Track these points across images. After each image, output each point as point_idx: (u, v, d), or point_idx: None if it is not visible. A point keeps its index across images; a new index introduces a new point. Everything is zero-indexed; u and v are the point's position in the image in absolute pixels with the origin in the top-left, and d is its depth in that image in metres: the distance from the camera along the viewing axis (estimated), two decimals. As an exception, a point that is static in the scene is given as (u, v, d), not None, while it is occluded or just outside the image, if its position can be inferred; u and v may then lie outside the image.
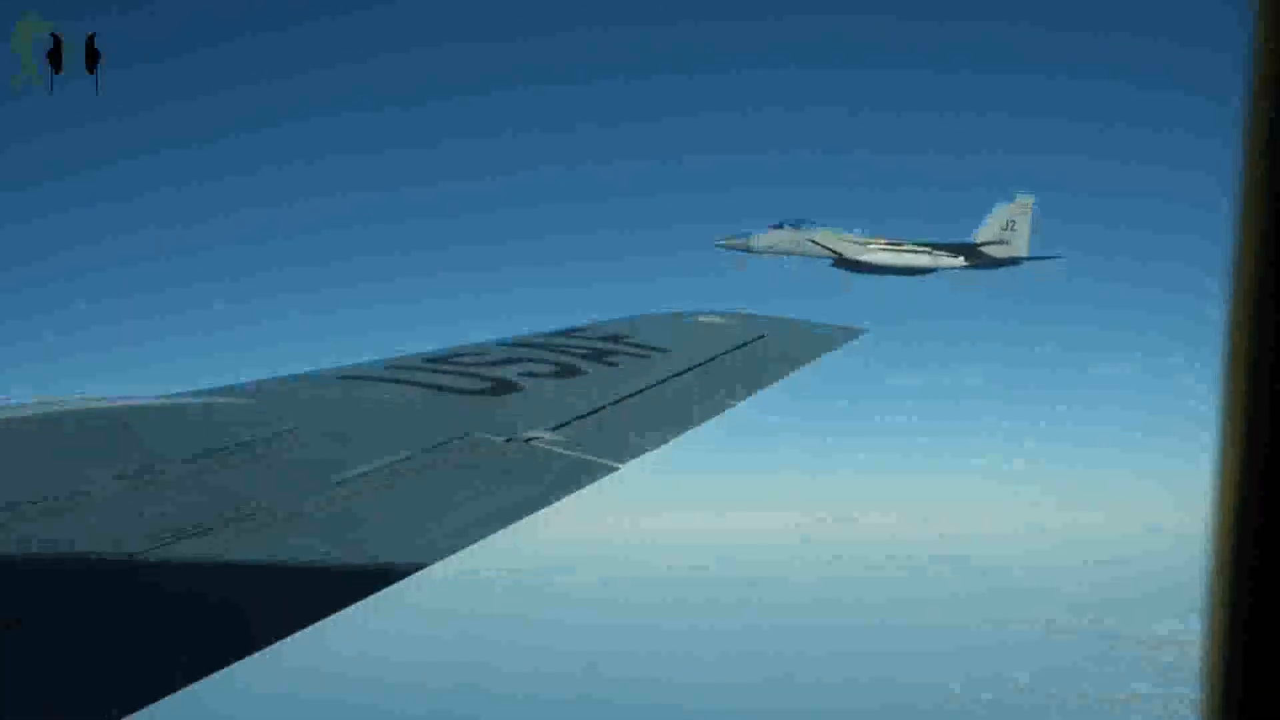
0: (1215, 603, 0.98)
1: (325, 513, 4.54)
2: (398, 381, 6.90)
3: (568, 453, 5.77)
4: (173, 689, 3.18)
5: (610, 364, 7.81)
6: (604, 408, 6.63)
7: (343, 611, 3.88)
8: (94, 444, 5.17)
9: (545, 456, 5.70)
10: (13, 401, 5.85)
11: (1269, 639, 0.95)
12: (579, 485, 5.42)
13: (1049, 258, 49.01)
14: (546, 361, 7.62)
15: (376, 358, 7.77)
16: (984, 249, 47.25)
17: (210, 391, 6.53)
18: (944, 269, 47.47)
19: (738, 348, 8.64)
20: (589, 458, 5.74)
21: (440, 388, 6.74)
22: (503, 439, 5.79)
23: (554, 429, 6.06)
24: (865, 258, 46.04)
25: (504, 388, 6.86)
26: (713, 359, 8.22)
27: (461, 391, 6.70)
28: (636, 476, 5.92)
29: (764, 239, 44.53)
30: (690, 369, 7.86)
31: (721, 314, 10.02)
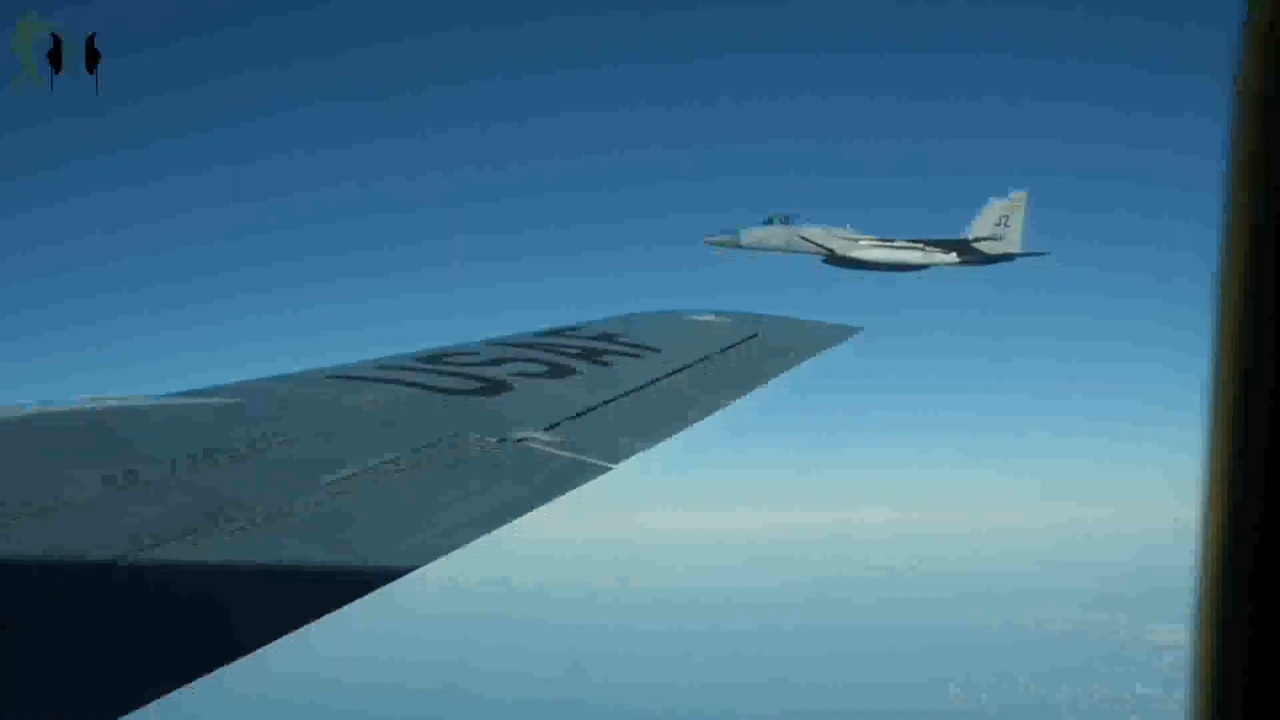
0: (1205, 606, 0.99)
1: (313, 515, 4.54)
2: (387, 381, 6.89)
3: (560, 453, 5.78)
4: (158, 694, 3.18)
5: (602, 364, 7.81)
6: (596, 408, 6.64)
7: (329, 615, 3.88)
8: (78, 446, 5.15)
9: (537, 457, 5.71)
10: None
11: (1260, 642, 0.96)
12: (572, 486, 5.43)
13: (1040, 254, 49.12)
14: (538, 361, 7.62)
15: (364, 357, 7.76)
16: (977, 245, 47.27)
17: (196, 392, 6.51)
18: (936, 265, 47.52)
19: (731, 347, 8.66)
20: (582, 458, 5.75)
21: (431, 388, 6.74)
22: (494, 439, 5.79)
23: (546, 429, 6.06)
24: (856, 254, 45.97)
25: (495, 388, 6.86)
26: (706, 358, 8.23)
27: (452, 391, 6.70)
28: (627, 476, 5.95)
29: (753, 235, 44.37)
30: (683, 369, 7.87)
31: (715, 313, 10.03)
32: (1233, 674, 0.97)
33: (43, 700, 3.18)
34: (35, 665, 3.25)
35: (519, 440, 5.84)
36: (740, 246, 44.09)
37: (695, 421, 6.90)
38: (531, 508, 5.07)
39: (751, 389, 7.71)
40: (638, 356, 8.09)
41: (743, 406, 7.52)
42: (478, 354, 7.83)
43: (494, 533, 4.80)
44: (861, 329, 9.66)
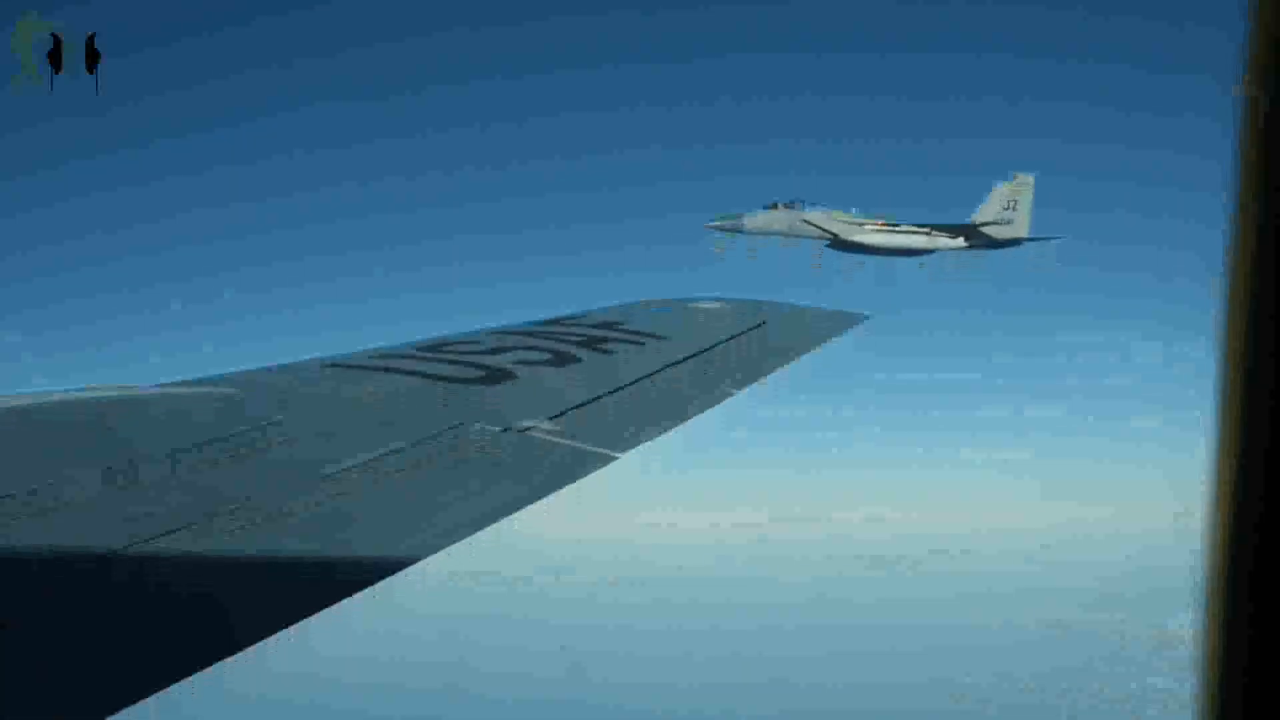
0: (1211, 604, 1.01)
1: (313, 507, 4.54)
2: (388, 371, 6.88)
3: (565, 442, 5.77)
4: (154, 689, 3.18)
5: (606, 352, 7.80)
6: (600, 397, 6.63)
7: (329, 613, 3.87)
8: (75, 436, 5.15)
9: (542, 446, 5.70)
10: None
11: (1262, 642, 0.99)
12: (577, 476, 5.43)
13: (1049, 239, 48.96)
14: (541, 350, 7.60)
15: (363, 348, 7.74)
16: (984, 229, 47.14)
17: (194, 382, 6.50)
18: (943, 250, 47.37)
19: (737, 335, 8.64)
20: (587, 448, 5.74)
21: (432, 377, 6.73)
22: (498, 429, 5.78)
23: (550, 418, 6.06)
24: (861, 239, 45.77)
25: (498, 376, 6.85)
26: (710, 347, 8.21)
27: (454, 380, 6.69)
28: (627, 474, 5.93)
29: (757, 219, 44.06)
30: (689, 357, 7.86)
31: (720, 300, 10.00)
32: (1235, 674, 0.99)
33: (42, 697, 3.18)
34: (34, 662, 3.25)
35: (523, 429, 5.83)
36: (742, 232, 43.82)
37: (701, 411, 6.89)
38: (538, 498, 5.07)
39: (758, 378, 7.70)
40: (641, 345, 8.08)
41: (746, 398, 7.51)
42: (479, 343, 7.82)
43: (496, 527, 4.80)
44: (868, 316, 9.63)
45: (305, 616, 3.75)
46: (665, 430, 6.40)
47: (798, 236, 44.85)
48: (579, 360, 7.47)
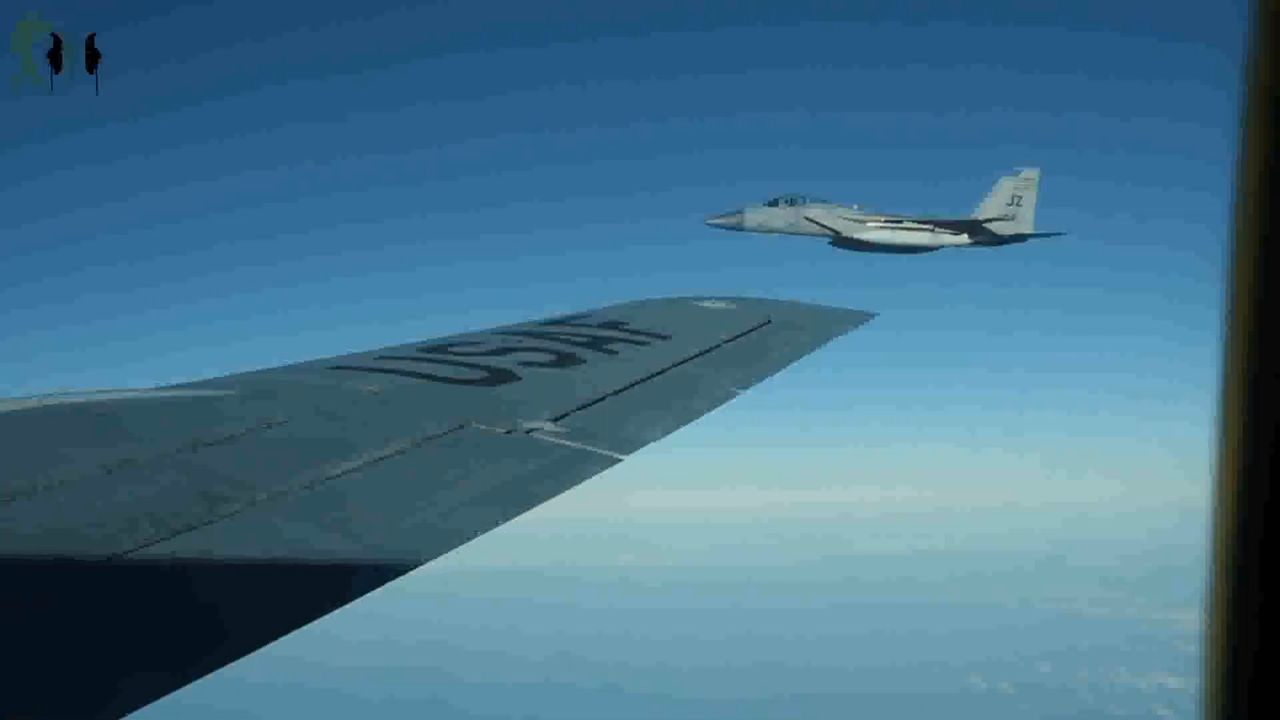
0: (1216, 595, 1.01)
1: (316, 510, 4.53)
2: (390, 372, 6.88)
3: (569, 444, 5.77)
4: (152, 697, 3.18)
5: (610, 352, 7.81)
6: (605, 398, 6.63)
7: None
8: (73, 439, 5.14)
9: (546, 448, 5.70)
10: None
11: (1270, 632, 0.98)
12: (582, 477, 5.43)
13: (1054, 234, 48.88)
14: (544, 350, 7.61)
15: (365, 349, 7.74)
16: (988, 225, 47.05)
17: (194, 384, 6.50)
18: (947, 247, 47.32)
19: (742, 334, 8.64)
20: (592, 449, 5.74)
21: (435, 378, 6.72)
22: (502, 430, 5.78)
23: (554, 420, 6.06)
24: (864, 235, 45.69)
25: (501, 377, 6.85)
26: (717, 346, 8.21)
27: (457, 381, 6.69)
28: (633, 461, 5.92)
29: (757, 215, 43.97)
30: (694, 357, 7.85)
31: (724, 299, 10.00)
32: (1243, 663, 0.99)
33: (34, 698, 3.18)
34: (23, 660, 3.25)
35: (528, 431, 5.83)
36: (743, 228, 43.75)
37: (706, 411, 6.90)
38: (542, 499, 5.08)
39: (763, 378, 7.70)
40: (646, 345, 8.08)
41: (752, 393, 7.52)
42: (481, 343, 7.83)
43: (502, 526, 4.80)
44: (876, 314, 9.62)
45: (306, 622, 3.75)
46: (670, 431, 6.40)
47: (799, 233, 44.75)
48: (583, 361, 7.47)
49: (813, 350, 8.48)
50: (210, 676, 3.35)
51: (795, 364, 8.14)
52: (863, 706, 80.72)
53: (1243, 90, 0.97)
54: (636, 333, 8.40)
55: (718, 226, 43.63)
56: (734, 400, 7.24)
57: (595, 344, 7.95)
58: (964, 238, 47.24)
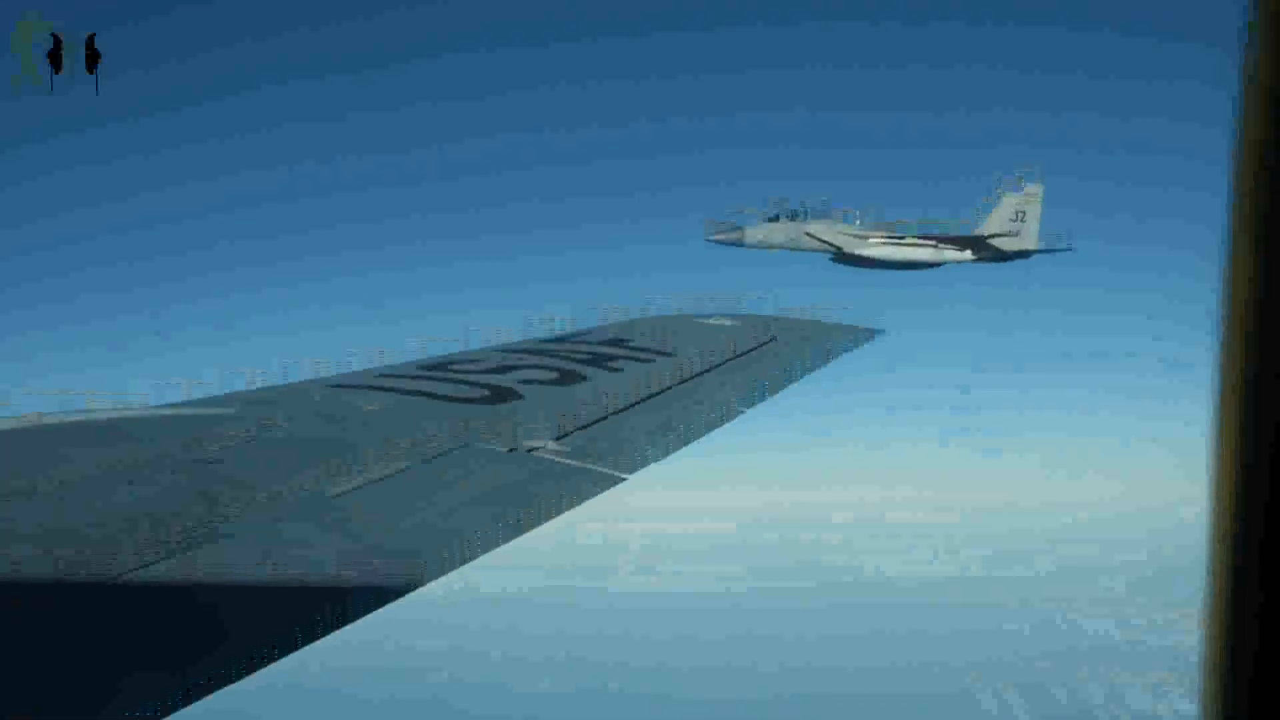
0: (1215, 595, 1.01)
1: (317, 530, 4.51)
2: (391, 390, 6.86)
3: (572, 463, 5.75)
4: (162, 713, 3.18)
5: (613, 369, 7.80)
6: (608, 416, 6.62)
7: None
8: (75, 455, 5.12)
9: (549, 467, 5.69)
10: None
11: (1269, 632, 0.98)
12: (585, 497, 5.42)
13: (1060, 250, 48.79)
14: (546, 368, 7.60)
15: (369, 361, 7.74)
16: (992, 241, 46.99)
17: (195, 402, 6.49)
18: (950, 263, 47.24)
19: (748, 351, 8.63)
20: (594, 468, 5.73)
21: (435, 396, 6.71)
22: (504, 449, 5.77)
23: (557, 439, 6.04)
24: (866, 252, 45.59)
25: (503, 395, 6.84)
26: (721, 363, 8.20)
27: (458, 400, 6.68)
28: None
29: (757, 231, 43.90)
30: (698, 374, 7.85)
31: (728, 315, 9.99)
32: (1242, 664, 0.99)
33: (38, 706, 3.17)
34: (24, 670, 3.25)
35: (530, 450, 5.82)
36: (743, 244, 43.75)
37: (710, 430, 6.89)
38: (545, 519, 5.07)
39: (768, 396, 7.69)
40: (650, 362, 8.06)
41: (758, 409, 7.52)
42: (482, 361, 7.81)
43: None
44: (882, 331, 9.61)
45: (308, 642, 3.74)
46: (674, 450, 6.39)
47: (800, 249, 44.71)
48: (586, 379, 7.46)
49: (818, 368, 8.48)
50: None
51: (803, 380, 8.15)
52: (863, 707, 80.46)
53: (1241, 90, 0.97)
54: (640, 350, 8.39)
55: (719, 244, 43.68)
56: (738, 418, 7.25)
57: (598, 361, 7.94)
58: (967, 254, 47.14)
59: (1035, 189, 48.69)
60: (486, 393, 6.87)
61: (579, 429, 6.30)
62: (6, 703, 3.10)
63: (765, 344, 8.90)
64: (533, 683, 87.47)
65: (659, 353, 8.34)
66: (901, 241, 46.61)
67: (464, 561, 4.54)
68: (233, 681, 3.43)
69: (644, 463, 6.02)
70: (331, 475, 5.08)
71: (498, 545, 4.74)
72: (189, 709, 3.28)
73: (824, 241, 45.21)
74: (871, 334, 9.59)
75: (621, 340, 8.71)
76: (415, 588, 4.24)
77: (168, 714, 3.21)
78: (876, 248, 46.05)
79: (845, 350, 9.08)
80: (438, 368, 7.54)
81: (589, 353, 8.17)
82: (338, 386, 7.04)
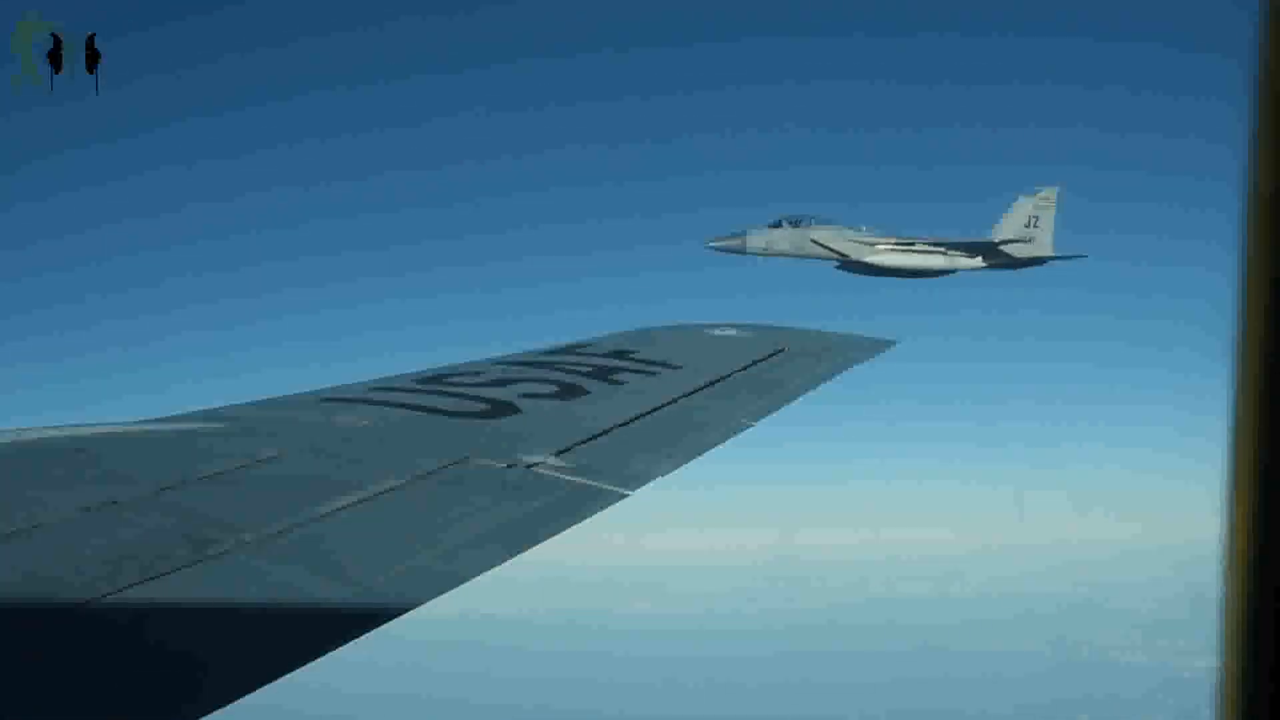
0: (1230, 614, 1.02)
1: (308, 548, 4.44)
2: (387, 404, 6.79)
3: (573, 479, 5.67)
4: None
5: (616, 382, 7.71)
6: (610, 430, 6.53)
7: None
8: (58, 474, 5.06)
9: (549, 483, 5.60)
10: None
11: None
12: (586, 514, 5.34)
13: (1075, 256, 48.52)
14: (547, 381, 7.52)
15: (370, 367, 7.68)
16: (1004, 248, 46.68)
17: (184, 417, 6.42)
18: (961, 270, 46.95)
19: (754, 363, 8.52)
20: (596, 484, 5.64)
21: (432, 410, 6.64)
22: (503, 465, 5.68)
23: (557, 454, 5.96)
24: (873, 259, 45.17)
25: (502, 410, 6.76)
26: (728, 375, 8.10)
27: (456, 414, 6.60)
28: (644, 500, 5.84)
29: (761, 238, 43.39)
30: (704, 387, 7.75)
31: (735, 326, 9.89)
32: (1262, 680, 0.99)
33: None
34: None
35: (529, 466, 5.74)
36: (746, 251, 43.28)
37: (716, 445, 6.79)
38: (544, 537, 4.98)
39: (776, 409, 7.58)
40: (654, 375, 7.98)
41: (768, 425, 7.41)
42: (481, 374, 7.74)
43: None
44: (895, 342, 9.49)
45: (299, 665, 3.66)
46: (678, 465, 6.30)
47: (805, 256, 44.25)
48: (587, 392, 7.37)
49: (829, 380, 8.37)
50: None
51: (811, 394, 8.04)
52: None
53: (1254, 100, 0.97)
54: (644, 362, 8.30)
55: (719, 250, 43.19)
56: (746, 432, 7.14)
57: (600, 374, 7.85)
58: (979, 260, 46.74)
59: (1050, 193, 48.29)
60: (484, 406, 6.80)
61: (580, 444, 6.21)
62: None
63: (774, 355, 8.80)
64: (534, 701, 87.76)
65: (663, 365, 8.25)
66: (911, 248, 46.16)
67: (460, 582, 4.46)
68: (212, 710, 3.35)
69: (648, 478, 5.94)
70: (320, 494, 4.99)
71: (497, 564, 4.65)
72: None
73: (830, 248, 44.68)
74: (884, 345, 9.48)
75: (625, 352, 8.63)
76: (408, 610, 4.15)
77: None
78: (885, 255, 45.60)
79: (857, 361, 8.97)
80: (434, 380, 7.47)
81: (591, 365, 8.08)
82: (329, 400, 6.98)
